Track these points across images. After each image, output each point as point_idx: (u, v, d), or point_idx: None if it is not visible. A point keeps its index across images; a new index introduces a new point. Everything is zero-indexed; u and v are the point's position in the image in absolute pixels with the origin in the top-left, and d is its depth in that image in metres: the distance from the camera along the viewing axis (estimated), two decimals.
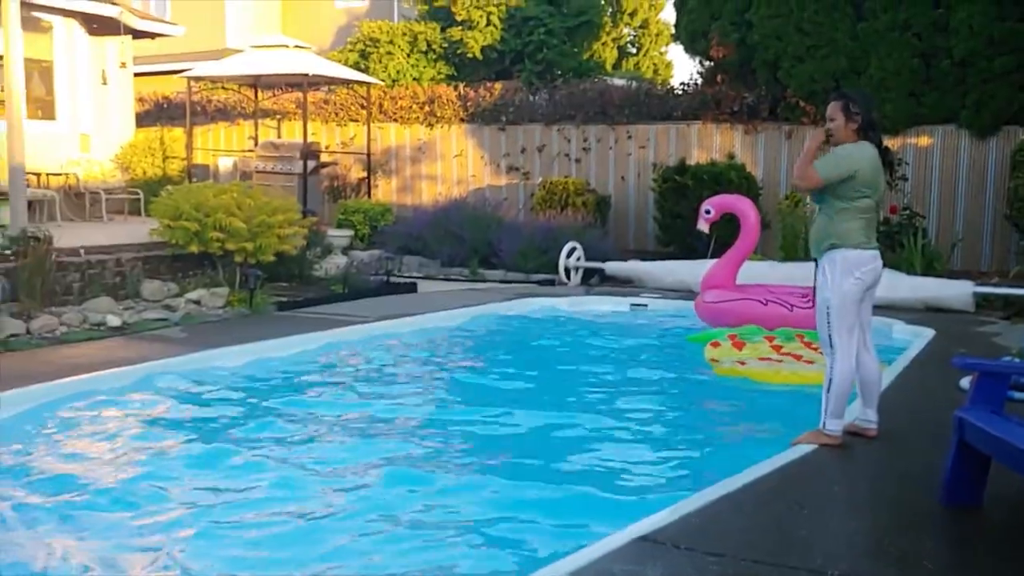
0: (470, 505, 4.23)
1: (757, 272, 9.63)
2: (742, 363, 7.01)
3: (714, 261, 9.02)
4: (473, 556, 3.68)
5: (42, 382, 5.91)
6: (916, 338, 7.99)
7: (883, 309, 9.52)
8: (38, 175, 11.96)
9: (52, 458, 4.80)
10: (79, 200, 12.40)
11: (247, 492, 4.37)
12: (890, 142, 12.70)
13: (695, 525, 3.67)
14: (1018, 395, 5.31)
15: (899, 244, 11.37)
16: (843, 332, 4.56)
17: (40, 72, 12.62)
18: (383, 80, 16.88)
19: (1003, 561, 3.48)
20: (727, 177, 12.33)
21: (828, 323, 4.59)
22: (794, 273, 9.92)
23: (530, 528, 3.97)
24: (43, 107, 12.73)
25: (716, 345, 7.56)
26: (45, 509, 4.08)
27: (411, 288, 11.30)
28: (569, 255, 11.74)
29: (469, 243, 12.75)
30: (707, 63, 14.60)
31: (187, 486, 4.43)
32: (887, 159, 4.88)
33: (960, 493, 3.86)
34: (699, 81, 14.72)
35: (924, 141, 12.69)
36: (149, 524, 3.96)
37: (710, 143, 14.05)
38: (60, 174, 12.45)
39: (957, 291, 9.83)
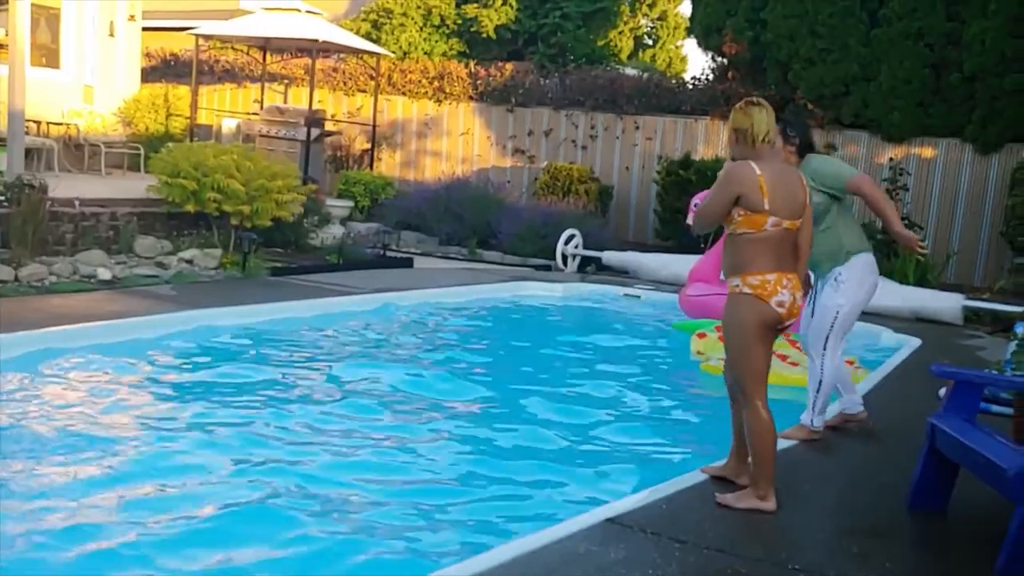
0: (441, 481, 4.25)
1: None
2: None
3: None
4: (442, 532, 3.69)
5: (28, 329, 5.91)
6: (902, 347, 8.03)
7: (873, 317, 9.55)
8: (38, 123, 11.91)
9: (28, 405, 4.79)
10: (78, 151, 12.35)
11: (206, 450, 4.36)
12: (894, 151, 12.75)
13: (663, 511, 3.70)
14: (996, 408, 5.34)
15: (894, 253, 11.39)
16: (841, 336, 4.63)
17: (47, 19, 12.54)
18: (394, 52, 16.79)
19: (965, 564, 3.52)
20: None
21: (832, 327, 4.61)
22: None
23: (498, 506, 3.99)
24: (48, 55, 12.65)
25: (703, 336, 7.57)
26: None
27: (407, 263, 11.30)
28: (567, 242, 11.75)
29: (469, 223, 12.74)
30: (719, 59, 14.55)
31: (150, 440, 4.42)
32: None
33: (927, 498, 3.89)
34: (710, 77, 14.68)
35: (928, 152, 12.68)
36: (104, 473, 3.97)
37: (717, 139, 14.01)
38: (61, 124, 12.39)
39: (947, 303, 9.86)
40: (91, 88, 13.23)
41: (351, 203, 13.32)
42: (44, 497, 3.67)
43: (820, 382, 4.65)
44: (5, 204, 8.32)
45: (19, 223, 8.13)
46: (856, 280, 4.60)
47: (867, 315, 9.61)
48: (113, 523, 3.50)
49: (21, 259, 7.91)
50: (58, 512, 3.54)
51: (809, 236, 3.84)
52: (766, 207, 3.56)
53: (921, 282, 10.79)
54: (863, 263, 4.63)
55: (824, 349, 4.63)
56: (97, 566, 3.17)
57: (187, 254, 9.19)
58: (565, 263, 11.76)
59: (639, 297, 9.99)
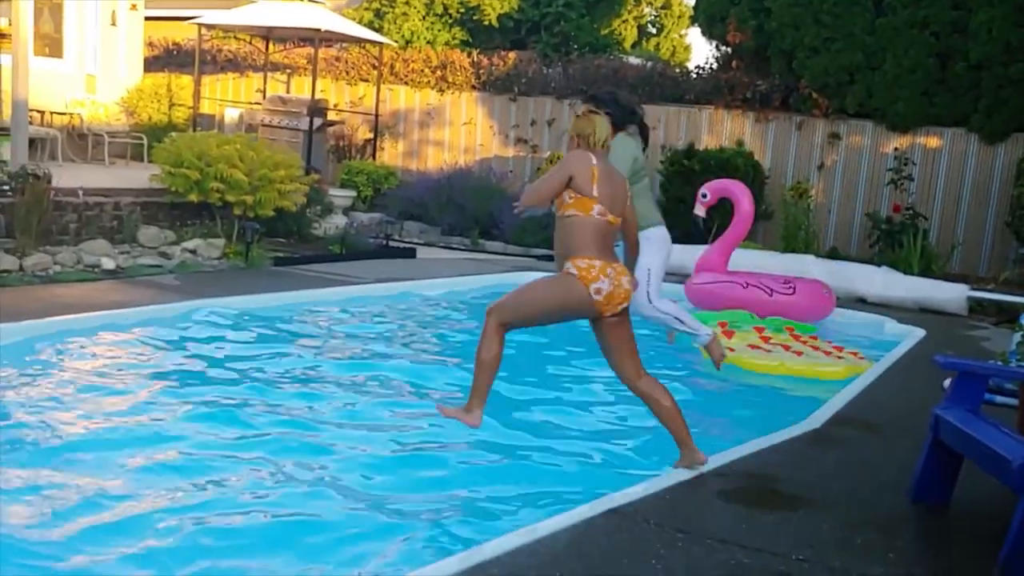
0: (443, 470, 4.26)
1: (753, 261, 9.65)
2: (731, 350, 7.01)
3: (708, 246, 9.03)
4: (444, 521, 3.70)
5: (31, 319, 5.93)
6: (906, 337, 8.01)
7: (877, 307, 9.56)
8: (42, 113, 11.90)
9: (26, 393, 4.79)
10: (81, 141, 12.34)
11: (207, 437, 4.39)
12: (899, 141, 12.69)
13: (667, 501, 3.70)
14: (1000, 399, 5.32)
15: (899, 243, 11.37)
16: (657, 291, 5.40)
17: (50, 8, 12.51)
18: (396, 41, 16.74)
19: (968, 558, 3.52)
20: (734, 164, 12.26)
21: (648, 284, 5.27)
22: (790, 265, 9.94)
23: (500, 495, 4.00)
24: (51, 44, 12.63)
25: None
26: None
27: (410, 253, 11.28)
28: None
29: (471, 213, 12.71)
30: (723, 48, 14.47)
31: (150, 429, 4.43)
32: (644, 134, 5.67)
33: (930, 490, 3.89)
34: (714, 66, 14.61)
35: (933, 142, 12.62)
36: (97, 460, 3.98)
37: (720, 129, 13.97)
38: (64, 113, 12.38)
39: (952, 294, 9.84)
40: (94, 78, 13.21)
41: (353, 193, 13.31)
42: (50, 488, 3.68)
43: (675, 318, 5.39)
44: (9, 193, 8.33)
45: (23, 213, 8.14)
46: (655, 249, 5.30)
47: (871, 305, 9.70)
48: (124, 514, 3.51)
49: (25, 249, 7.93)
50: (63, 497, 3.56)
51: (634, 233, 4.23)
52: (595, 193, 3.84)
53: (925, 272, 10.76)
54: (658, 236, 5.41)
55: (651, 302, 5.31)
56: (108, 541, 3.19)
57: (190, 244, 9.19)
58: None
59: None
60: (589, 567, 3.04)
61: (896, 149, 12.60)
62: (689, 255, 10.61)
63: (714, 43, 14.66)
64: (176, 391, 5.05)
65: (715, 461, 4.18)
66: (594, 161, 3.89)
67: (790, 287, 8.33)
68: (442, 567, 2.95)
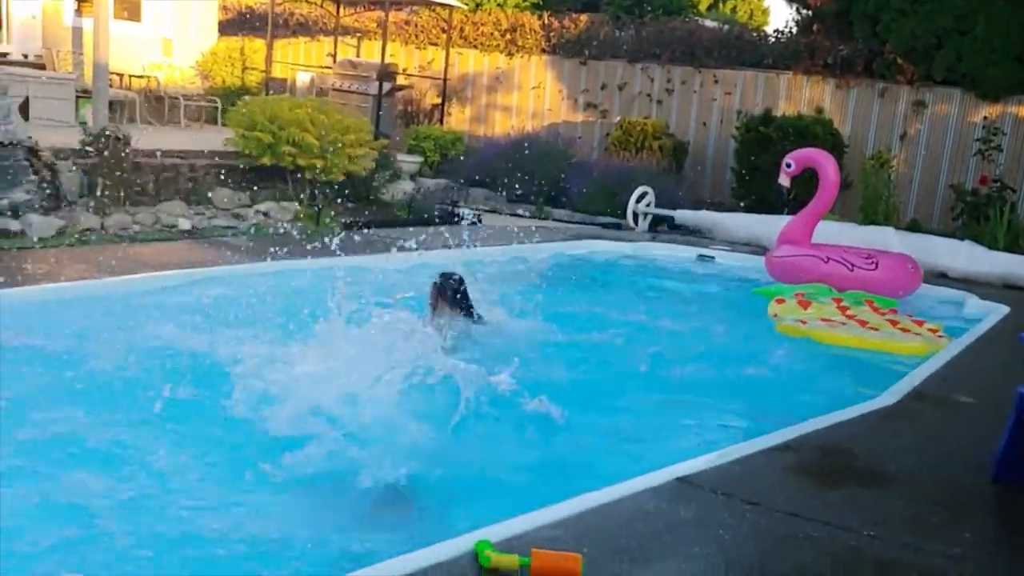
0: (510, 432, 4.25)
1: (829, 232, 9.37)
2: (803, 322, 6.85)
3: (790, 217, 8.79)
4: (515, 481, 3.71)
5: (115, 276, 6.10)
6: (989, 314, 7.69)
7: (959, 283, 9.20)
8: (120, 76, 12.20)
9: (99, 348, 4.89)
10: (158, 104, 12.62)
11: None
12: (988, 109, 12.13)
13: (736, 473, 3.63)
14: None
15: (984, 217, 10.91)
16: None
17: None
18: (466, 4, 16.63)
19: None
20: (813, 132, 11.89)
21: None
22: (870, 237, 9.62)
23: (568, 460, 3.99)
24: (129, 8, 12.91)
25: (781, 302, 7.40)
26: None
27: (476, 220, 11.29)
28: (639, 200, 11.54)
29: (538, 180, 12.62)
30: (804, 11, 13.99)
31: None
32: None
33: (1012, 470, 3.74)
34: (794, 29, 14.14)
35: None
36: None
37: (799, 95, 13.54)
38: (142, 76, 12.67)
39: None
40: (170, 42, 13.48)
41: (421, 158, 13.33)
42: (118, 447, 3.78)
43: None
44: (92, 155, 8.57)
45: (105, 173, 8.38)
46: None
47: (953, 281, 9.34)
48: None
49: (107, 209, 8.17)
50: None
51: None
52: None
53: (1012, 247, 10.30)
54: None
55: None
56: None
57: (263, 206, 9.36)
58: (636, 222, 11.57)
59: (713, 259, 9.78)
60: (655, 533, 3.01)
61: (985, 118, 12.04)
62: (763, 227, 10.42)
63: (794, 6, 14.20)
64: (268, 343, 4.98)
65: (787, 434, 4.09)
66: None
67: (872, 262, 8.04)
68: (512, 525, 2.95)
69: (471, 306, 5.57)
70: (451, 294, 5.41)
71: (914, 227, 11.43)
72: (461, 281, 5.54)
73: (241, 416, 4.01)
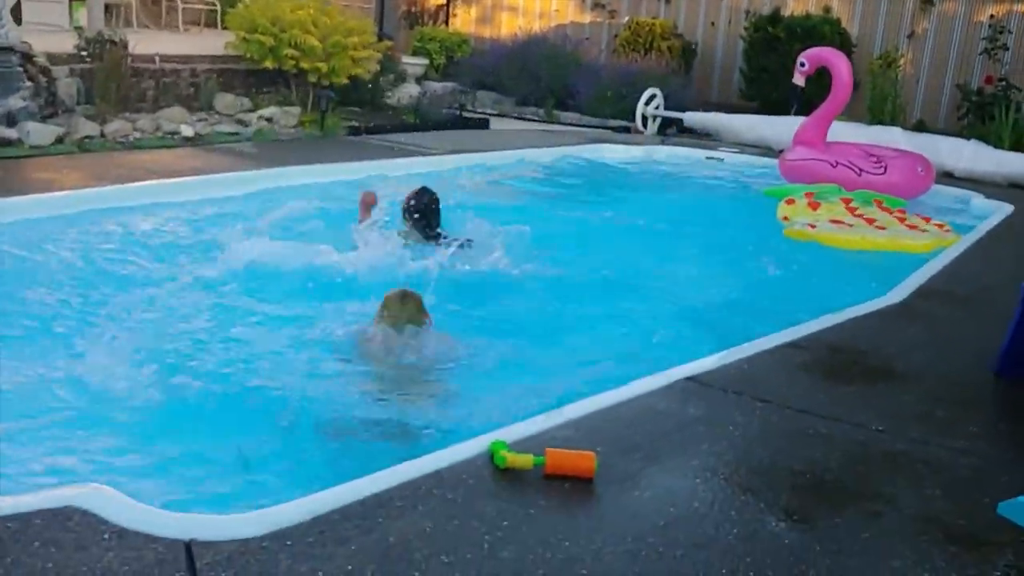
0: (521, 333, 4.31)
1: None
2: (812, 226, 6.83)
3: (802, 118, 8.65)
4: (523, 384, 3.76)
5: (118, 183, 6.08)
6: (994, 212, 7.69)
7: (964, 182, 9.13)
8: None
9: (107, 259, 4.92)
10: (156, 7, 12.32)
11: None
12: (995, 8, 11.78)
13: (745, 372, 3.68)
14: None
15: (989, 116, 10.78)
16: None
17: None
18: None
19: None
20: (821, 32, 11.62)
21: None
22: (878, 137, 9.49)
23: (577, 361, 4.04)
24: None
25: (791, 202, 7.37)
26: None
27: (483, 124, 11.13)
28: (648, 102, 11.34)
29: (545, 82, 12.39)
30: None
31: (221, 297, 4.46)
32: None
33: (1016, 365, 3.78)
34: None
35: None
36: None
37: None
38: None
39: None
40: None
41: (426, 61, 13.06)
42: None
43: None
44: (88, 60, 8.40)
45: (102, 79, 8.23)
46: None
47: (959, 180, 9.26)
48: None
49: (106, 115, 8.06)
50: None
51: None
52: None
53: (1016, 147, 10.19)
54: None
55: None
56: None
57: (267, 112, 9.23)
58: (645, 125, 11.40)
59: (722, 160, 9.69)
60: (664, 432, 3.07)
61: (992, 17, 11.73)
62: (771, 129, 10.28)
63: None
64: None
65: (796, 333, 4.13)
66: None
67: (881, 166, 7.94)
68: (526, 426, 3.01)
69: (435, 227, 5.22)
70: (415, 215, 5.11)
71: (920, 127, 11.27)
72: (429, 201, 5.19)
73: None
